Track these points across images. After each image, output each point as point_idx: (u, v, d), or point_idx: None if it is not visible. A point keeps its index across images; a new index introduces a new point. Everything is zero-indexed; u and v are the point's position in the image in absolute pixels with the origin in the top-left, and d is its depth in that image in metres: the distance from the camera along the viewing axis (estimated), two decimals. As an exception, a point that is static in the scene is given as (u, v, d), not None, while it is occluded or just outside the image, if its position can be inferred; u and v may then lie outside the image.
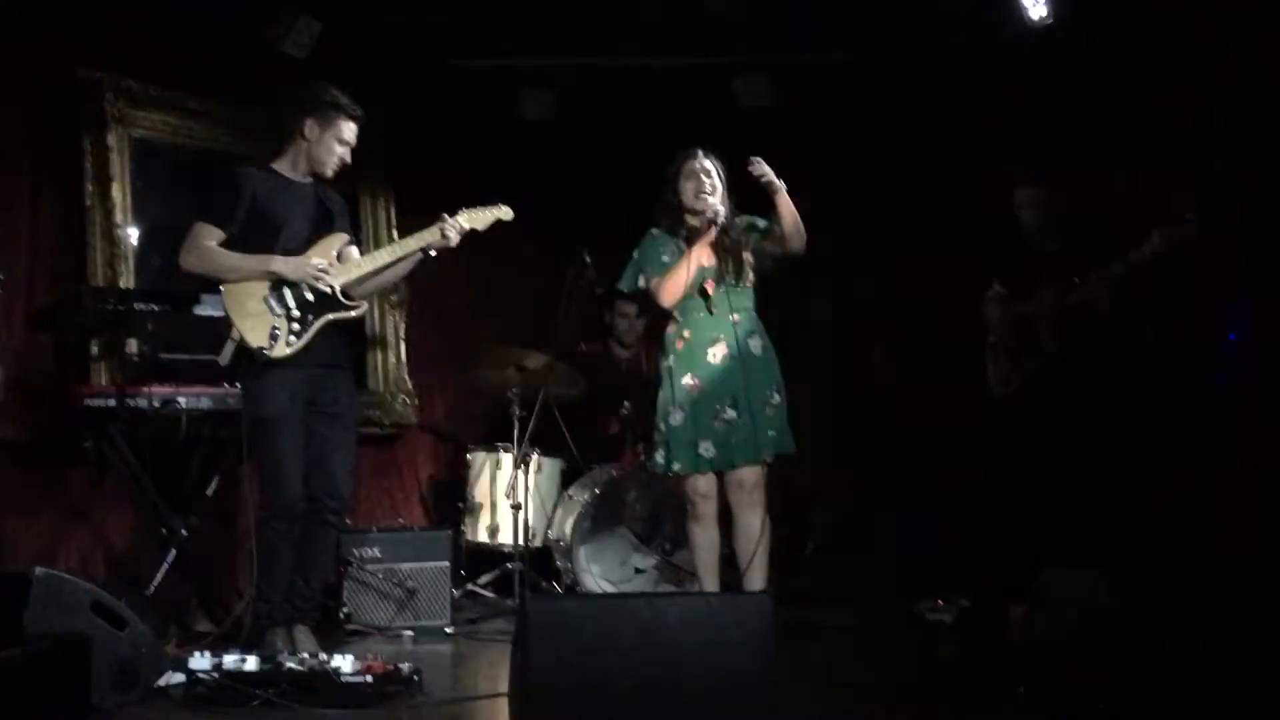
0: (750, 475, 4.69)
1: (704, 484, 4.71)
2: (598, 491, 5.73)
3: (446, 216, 4.68)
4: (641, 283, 4.81)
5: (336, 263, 4.65)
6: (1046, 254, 5.26)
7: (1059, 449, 5.26)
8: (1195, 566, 4.79)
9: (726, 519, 4.80)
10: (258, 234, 4.56)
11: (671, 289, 4.71)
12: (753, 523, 4.70)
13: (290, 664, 3.90)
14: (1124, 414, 5.28)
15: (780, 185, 4.63)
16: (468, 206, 4.78)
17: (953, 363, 6.66)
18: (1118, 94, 5.92)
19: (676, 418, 4.67)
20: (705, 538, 4.76)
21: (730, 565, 4.85)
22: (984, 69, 6.24)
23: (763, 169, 4.61)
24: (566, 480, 6.25)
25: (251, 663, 3.90)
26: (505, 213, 4.85)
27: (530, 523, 5.77)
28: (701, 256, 4.71)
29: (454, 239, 4.68)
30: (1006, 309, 5.35)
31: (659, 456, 4.74)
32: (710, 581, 4.75)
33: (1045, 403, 5.31)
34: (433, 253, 4.72)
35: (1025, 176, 5.29)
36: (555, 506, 6.08)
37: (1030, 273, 5.25)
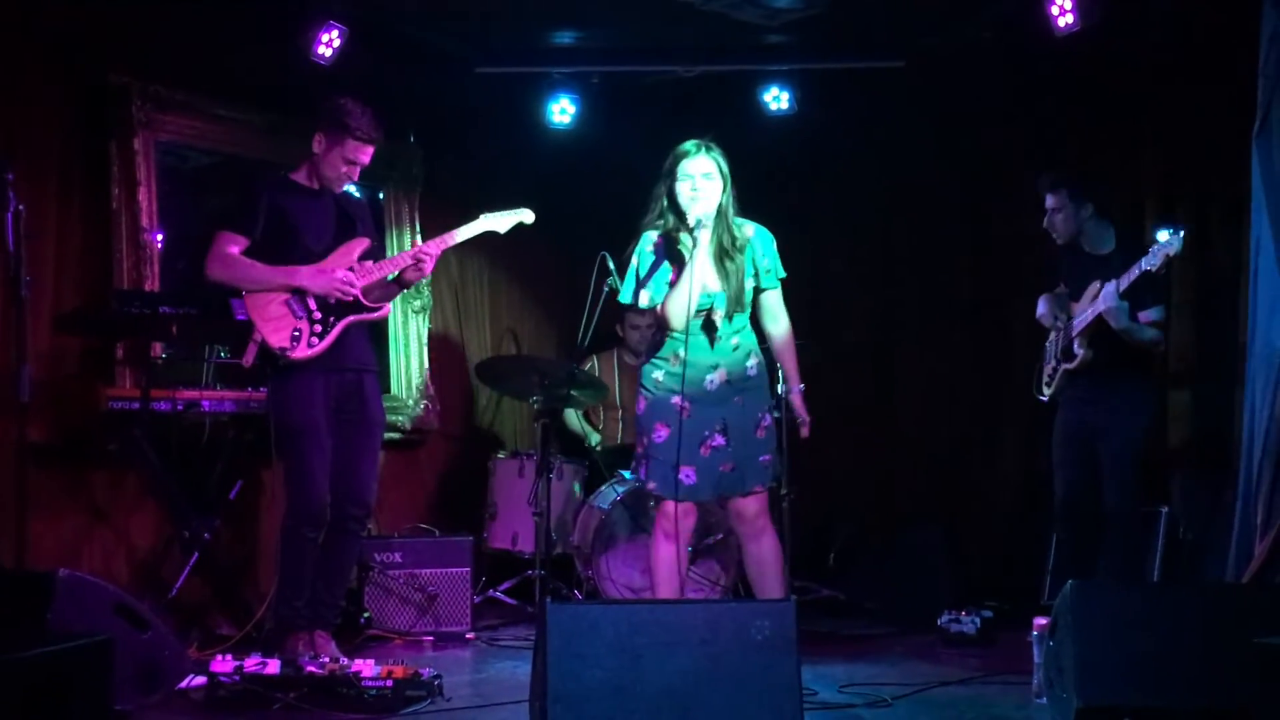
0: (751, 505, 4.49)
1: (680, 508, 4.44)
2: (619, 499, 5.71)
3: (420, 244, 4.74)
4: (643, 301, 4.53)
5: (358, 265, 4.68)
6: (1094, 256, 5.17)
7: (1083, 458, 5.20)
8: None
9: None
10: (278, 242, 4.61)
11: (675, 313, 4.44)
12: (762, 552, 4.53)
13: (311, 668, 3.91)
14: (1145, 425, 5.19)
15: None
16: (489, 211, 4.85)
17: (980, 370, 6.64)
18: (1145, 100, 5.90)
19: (660, 435, 4.45)
20: (670, 556, 4.48)
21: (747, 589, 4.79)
22: (1012, 74, 6.22)
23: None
24: (588, 487, 6.24)
25: (273, 666, 3.91)
26: (527, 216, 4.89)
27: (551, 529, 5.76)
28: (706, 278, 4.45)
29: (427, 269, 4.74)
30: (1064, 309, 5.26)
31: (640, 470, 4.56)
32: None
33: (1073, 410, 5.25)
34: (410, 274, 4.77)
35: (1055, 180, 5.21)
36: (577, 513, 6.07)
37: (1083, 276, 5.15)
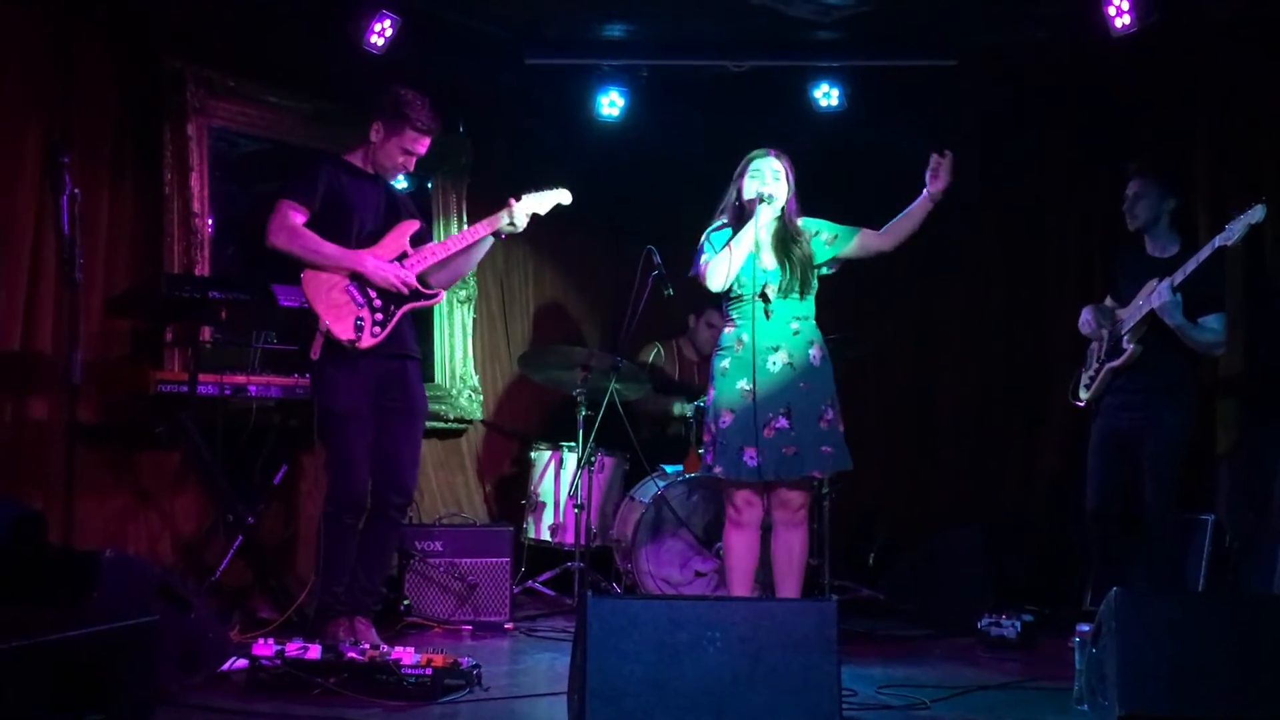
0: (797, 496, 4.65)
1: (747, 491, 4.64)
2: (660, 493, 5.71)
3: (513, 201, 4.75)
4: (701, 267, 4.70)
5: (411, 249, 4.70)
6: (1156, 260, 5.06)
7: (1117, 467, 5.14)
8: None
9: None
10: (331, 221, 4.63)
11: (717, 272, 4.60)
12: (794, 543, 4.66)
13: (352, 654, 3.93)
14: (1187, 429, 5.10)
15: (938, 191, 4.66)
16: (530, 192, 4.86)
17: (1022, 371, 6.59)
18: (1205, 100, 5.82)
19: (726, 420, 4.61)
20: (744, 544, 4.68)
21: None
22: (1064, 75, 6.16)
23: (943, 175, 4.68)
24: (629, 480, 6.24)
25: (314, 651, 3.93)
26: (564, 196, 4.90)
27: (591, 522, 5.77)
28: (764, 259, 4.63)
29: (521, 223, 4.76)
30: (1108, 319, 5.18)
31: (708, 456, 4.70)
32: (740, 590, 4.64)
33: (1111, 418, 5.19)
34: (503, 235, 4.81)
35: (1142, 166, 5.15)
36: (617, 507, 6.07)
37: (1140, 278, 5.06)
